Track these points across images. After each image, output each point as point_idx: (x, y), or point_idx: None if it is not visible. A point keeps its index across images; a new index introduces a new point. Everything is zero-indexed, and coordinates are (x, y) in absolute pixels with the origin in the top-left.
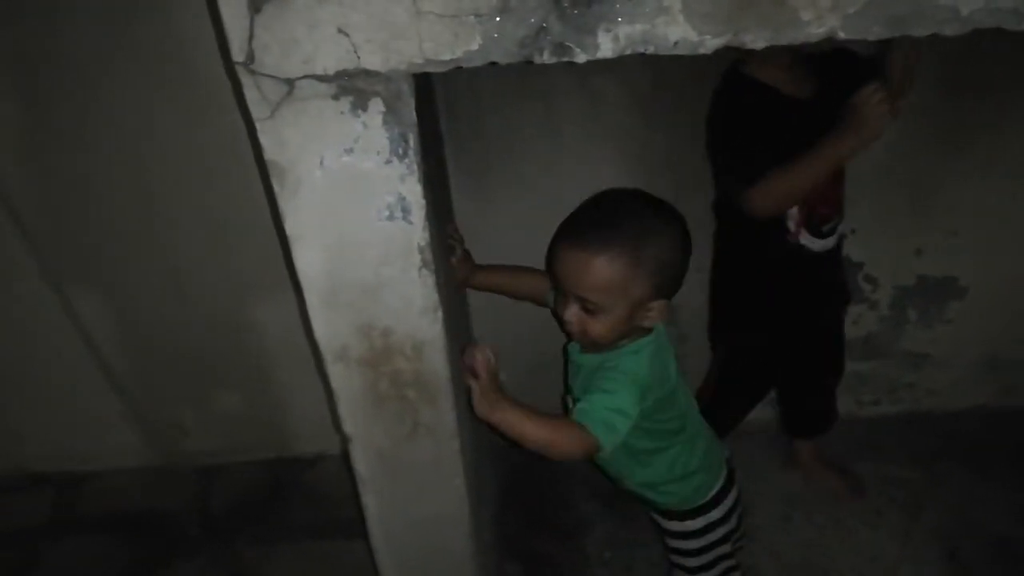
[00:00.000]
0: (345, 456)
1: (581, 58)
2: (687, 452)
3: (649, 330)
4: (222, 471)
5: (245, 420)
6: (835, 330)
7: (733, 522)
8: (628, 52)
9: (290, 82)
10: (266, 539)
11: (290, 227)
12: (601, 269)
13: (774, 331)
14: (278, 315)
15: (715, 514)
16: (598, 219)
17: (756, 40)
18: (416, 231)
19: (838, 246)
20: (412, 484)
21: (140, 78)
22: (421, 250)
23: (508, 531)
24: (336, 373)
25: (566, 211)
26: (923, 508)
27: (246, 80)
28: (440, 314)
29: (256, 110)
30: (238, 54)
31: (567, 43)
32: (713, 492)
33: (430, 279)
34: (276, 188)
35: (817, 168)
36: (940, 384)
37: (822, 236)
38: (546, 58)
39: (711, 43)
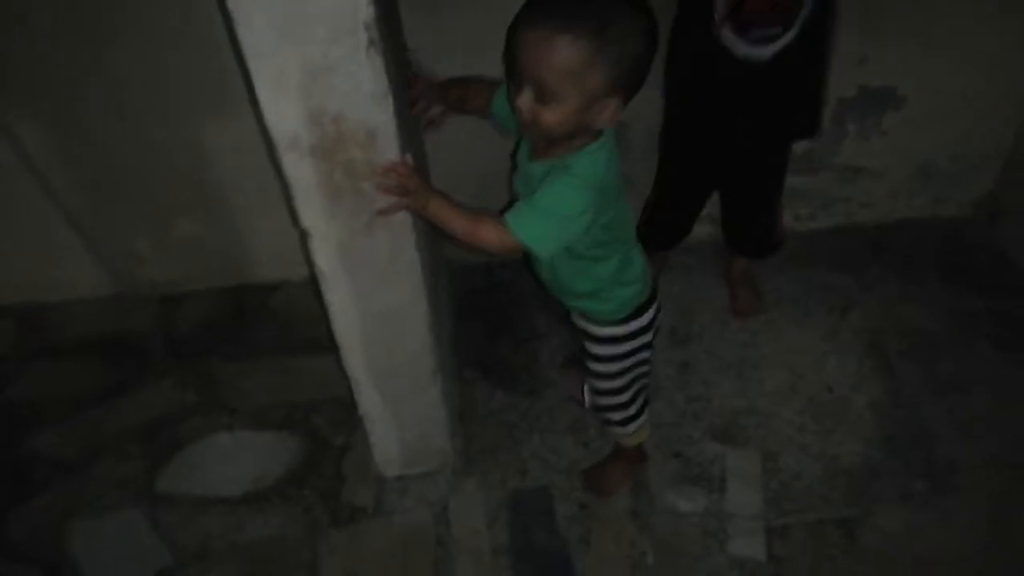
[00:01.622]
0: (309, 281)
1: None
2: (629, 258)
3: (599, 134)
4: (186, 298)
5: (204, 247)
6: (770, 156)
7: (653, 331)
8: None
9: None
10: (235, 357)
11: (231, 2)
12: (561, 49)
13: (695, 135)
14: (231, 139)
15: (645, 318)
16: (561, 1)
17: None
18: (362, 6)
19: (785, 68)
20: (371, 277)
21: None
22: (367, 27)
23: (465, 342)
24: (290, 163)
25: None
26: (850, 309)
27: None
28: (391, 100)
29: None
30: None
31: None
32: (645, 298)
33: (378, 60)
34: None
35: None
36: (874, 197)
37: (751, 41)
38: None
39: None
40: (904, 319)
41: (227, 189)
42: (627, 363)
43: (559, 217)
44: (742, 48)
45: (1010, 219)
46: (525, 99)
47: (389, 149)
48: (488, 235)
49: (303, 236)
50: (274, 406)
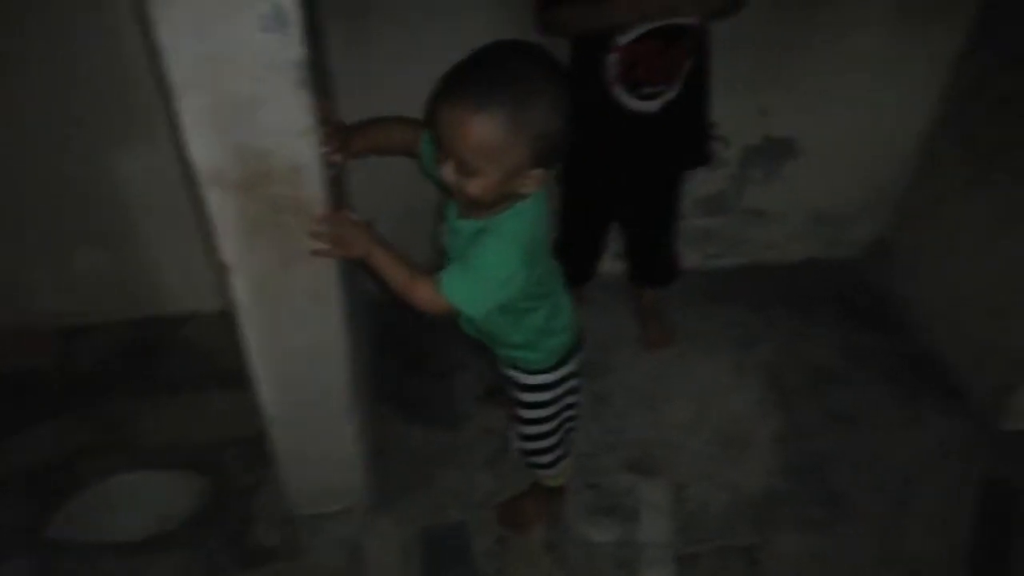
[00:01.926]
0: (221, 314)
1: None
2: (557, 309)
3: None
4: (89, 331)
5: (109, 278)
6: (663, 190)
7: (579, 376)
8: None
9: None
10: (138, 394)
11: (162, 36)
12: (477, 131)
13: (592, 176)
14: (140, 167)
15: (573, 364)
16: (478, 76)
17: None
18: (293, 45)
19: (672, 114)
20: (291, 313)
21: None
22: (298, 66)
23: (382, 376)
24: (213, 198)
25: (447, 55)
26: (754, 344)
27: None
28: (317, 138)
29: None
30: None
31: None
32: (572, 345)
33: (307, 98)
34: None
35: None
36: (776, 238)
37: (641, 98)
38: None
39: None
40: (803, 355)
41: (135, 217)
42: (556, 408)
43: (492, 280)
44: (632, 103)
45: (898, 260)
46: (448, 171)
47: (314, 185)
48: (422, 295)
49: (221, 269)
50: (180, 444)
